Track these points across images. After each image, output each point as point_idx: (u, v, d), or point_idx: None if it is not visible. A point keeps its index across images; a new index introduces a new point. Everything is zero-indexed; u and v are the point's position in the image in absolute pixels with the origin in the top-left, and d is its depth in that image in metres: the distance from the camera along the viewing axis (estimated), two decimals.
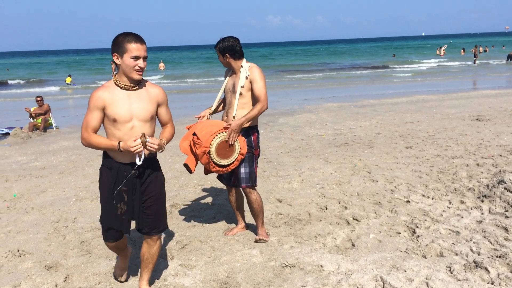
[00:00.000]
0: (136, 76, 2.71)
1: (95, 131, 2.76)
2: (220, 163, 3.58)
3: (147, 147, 2.66)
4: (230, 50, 3.70)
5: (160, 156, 7.54)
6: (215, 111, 4.04)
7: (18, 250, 3.92)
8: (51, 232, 4.37)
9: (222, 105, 4.06)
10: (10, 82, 29.02)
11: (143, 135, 2.63)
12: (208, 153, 3.52)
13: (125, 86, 2.74)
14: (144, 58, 2.72)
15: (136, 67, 2.69)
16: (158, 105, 2.86)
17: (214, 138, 3.52)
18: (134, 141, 2.62)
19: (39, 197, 5.58)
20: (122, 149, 2.65)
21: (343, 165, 6.37)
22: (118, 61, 2.72)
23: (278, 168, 6.43)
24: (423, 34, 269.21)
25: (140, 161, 2.70)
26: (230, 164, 3.63)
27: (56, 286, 3.27)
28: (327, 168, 6.28)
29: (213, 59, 51.22)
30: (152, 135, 2.82)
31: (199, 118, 3.89)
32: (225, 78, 3.95)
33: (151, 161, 2.89)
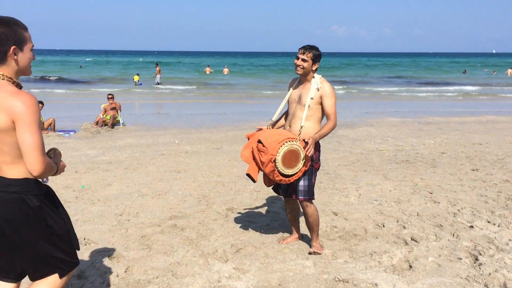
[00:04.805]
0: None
1: None
2: (285, 173, 3.54)
3: None
4: (319, 59, 3.72)
5: (218, 160, 7.73)
6: (276, 123, 4.06)
7: (84, 239, 4.18)
8: (114, 224, 4.60)
9: (284, 117, 4.07)
10: (82, 79, 30.92)
11: None
12: (274, 161, 3.48)
13: None
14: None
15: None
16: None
17: (281, 146, 3.47)
18: None
19: (105, 190, 5.89)
20: None
21: (403, 183, 6.20)
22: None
23: (335, 180, 6.37)
24: (494, 52, 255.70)
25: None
26: (294, 174, 3.58)
27: (117, 276, 3.44)
28: (386, 184, 6.14)
29: (265, 67, 51.54)
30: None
31: (259, 129, 3.92)
32: (288, 89, 3.97)
33: None
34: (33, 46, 2.14)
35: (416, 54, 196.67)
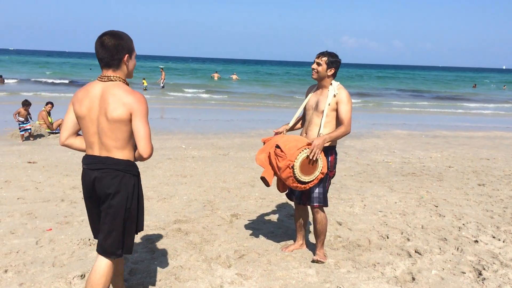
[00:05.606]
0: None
1: None
2: (301, 179, 3.54)
3: None
4: (337, 67, 3.74)
5: (225, 166, 7.76)
6: (292, 129, 4.09)
7: (89, 239, 4.21)
8: None
9: (300, 123, 4.10)
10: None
11: None
12: (292, 167, 3.48)
13: None
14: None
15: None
16: None
17: (300, 153, 3.48)
18: None
19: None
20: None
21: (408, 195, 6.19)
22: None
23: (341, 190, 6.37)
24: (504, 67, 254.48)
25: None
26: (310, 181, 3.58)
27: None
28: (391, 196, 6.13)
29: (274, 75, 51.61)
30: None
31: (276, 133, 3.95)
32: (306, 96, 3.98)
33: None
34: (136, 54, 2.65)
35: (426, 67, 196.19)
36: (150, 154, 2.50)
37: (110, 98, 2.46)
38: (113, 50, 2.49)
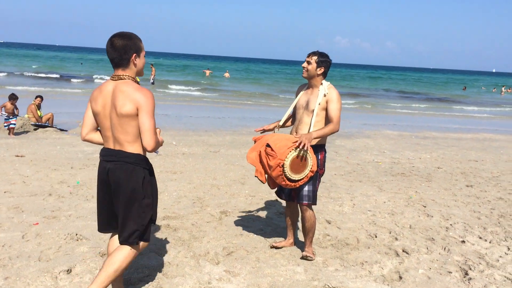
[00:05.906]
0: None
1: None
2: (292, 178, 3.56)
3: None
4: (327, 66, 3.78)
5: (215, 164, 7.75)
6: (283, 125, 4.12)
7: (76, 234, 4.17)
8: None
9: (290, 120, 4.12)
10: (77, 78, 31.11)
11: None
12: (282, 166, 3.50)
13: None
14: None
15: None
16: None
17: (290, 152, 3.50)
18: None
19: None
20: None
21: (397, 195, 6.23)
22: None
23: (330, 189, 6.39)
24: (493, 71, 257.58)
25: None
26: (300, 179, 3.61)
27: None
28: (380, 196, 6.16)
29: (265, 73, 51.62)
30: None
31: (263, 130, 3.98)
32: (296, 95, 4.00)
33: None
34: (145, 53, 2.81)
35: (417, 69, 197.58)
36: (154, 147, 2.65)
37: (119, 95, 2.63)
38: (121, 50, 2.65)
